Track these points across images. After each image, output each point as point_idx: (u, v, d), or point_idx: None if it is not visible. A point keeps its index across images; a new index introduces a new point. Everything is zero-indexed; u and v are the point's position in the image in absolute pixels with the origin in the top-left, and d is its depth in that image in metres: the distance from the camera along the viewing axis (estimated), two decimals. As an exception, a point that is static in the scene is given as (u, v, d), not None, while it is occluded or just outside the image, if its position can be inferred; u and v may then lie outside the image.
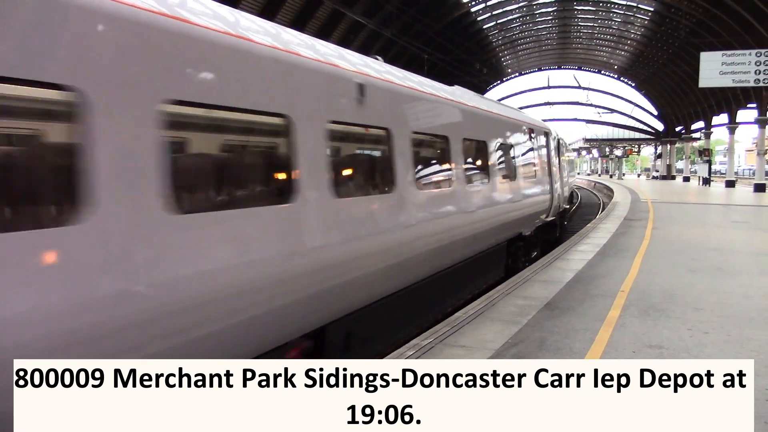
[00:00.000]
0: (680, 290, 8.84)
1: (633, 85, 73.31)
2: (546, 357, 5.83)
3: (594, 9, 55.21)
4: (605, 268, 10.73)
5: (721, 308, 7.78)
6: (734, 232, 16.58)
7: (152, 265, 3.61)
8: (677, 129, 67.12)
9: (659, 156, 75.39)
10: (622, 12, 52.73)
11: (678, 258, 11.73)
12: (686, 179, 61.47)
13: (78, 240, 3.17)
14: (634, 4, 49.26)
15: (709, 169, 52.05)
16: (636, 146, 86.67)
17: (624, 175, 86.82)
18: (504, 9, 53.64)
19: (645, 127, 75.16)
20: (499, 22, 56.78)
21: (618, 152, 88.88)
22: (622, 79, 74.29)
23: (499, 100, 70.84)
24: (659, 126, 72.35)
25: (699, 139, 63.79)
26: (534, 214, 14.39)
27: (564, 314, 7.49)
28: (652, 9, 48.18)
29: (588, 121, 79.32)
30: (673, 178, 67.95)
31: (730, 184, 46.50)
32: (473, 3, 49.11)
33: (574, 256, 12.27)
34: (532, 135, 14.90)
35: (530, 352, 5.99)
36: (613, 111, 75.68)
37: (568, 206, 23.66)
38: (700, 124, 59.00)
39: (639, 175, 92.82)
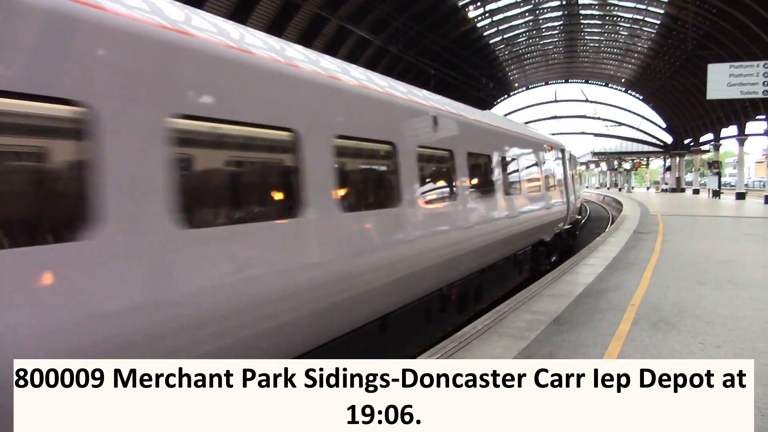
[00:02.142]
0: (691, 303, 8.77)
1: (641, 98, 73.21)
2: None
3: (600, 23, 55.38)
4: (615, 281, 10.66)
5: (732, 321, 7.71)
6: (745, 245, 16.43)
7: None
8: (686, 141, 66.92)
9: (668, 169, 75.09)
10: (629, 25, 52.83)
11: (688, 271, 11.65)
12: (696, 192, 61.17)
13: None
14: (641, 17, 49.36)
15: (719, 181, 51.73)
16: (645, 159, 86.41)
17: (633, 188, 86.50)
18: (510, 24, 53.86)
19: (653, 140, 74.93)
20: (505, 37, 56.98)
21: (627, 165, 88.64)
22: (629, 92, 74.21)
23: (506, 114, 71.19)
24: (668, 139, 72.13)
25: (708, 151, 63.51)
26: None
27: (573, 329, 7.45)
28: (658, 22, 48.25)
29: (596, 135, 79.21)
30: (683, 190, 67.63)
31: (741, 196, 46.22)
32: (479, 18, 49.36)
33: (584, 269, 12.20)
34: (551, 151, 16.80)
35: (538, 367, 5.94)
36: (621, 124, 75.54)
37: (579, 217, 23.78)
38: (709, 136, 58.78)
39: (648, 188, 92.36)
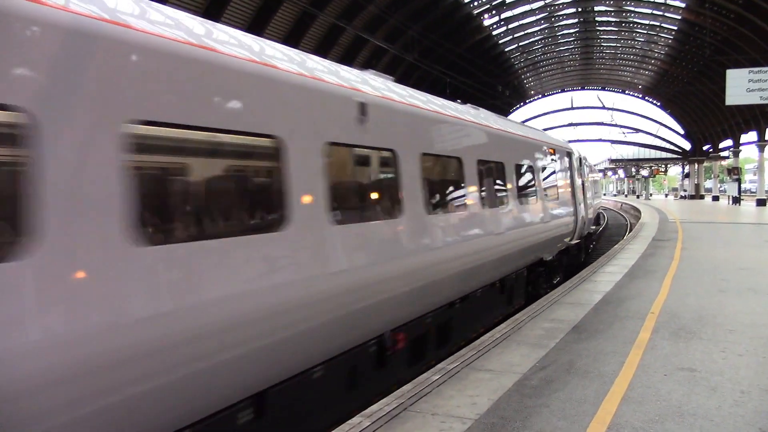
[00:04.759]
0: (711, 311, 8.69)
1: (658, 104, 72.71)
2: (574, 381, 5.76)
3: (616, 29, 55.11)
4: (634, 289, 10.60)
5: (753, 329, 7.63)
6: (766, 252, 16.23)
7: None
8: (705, 148, 66.28)
9: (687, 175, 74.40)
10: (645, 31, 52.53)
11: (708, 278, 11.54)
12: (715, 198, 60.56)
13: None
14: (657, 23, 49.06)
15: (739, 187, 51.22)
16: (663, 166, 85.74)
17: (651, 195, 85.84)
18: (526, 32, 53.78)
19: (671, 147, 74.33)
20: (521, 44, 56.90)
21: (644, 172, 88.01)
22: (646, 98, 73.73)
23: (523, 122, 70.71)
24: (686, 145, 71.51)
25: (727, 157, 62.85)
26: (557, 237, 13.98)
27: (593, 337, 7.40)
28: (675, 28, 47.93)
29: (613, 142, 78.77)
30: (702, 197, 66.97)
31: (761, 202, 45.73)
32: (494, 27, 49.32)
33: (602, 277, 12.14)
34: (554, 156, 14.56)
35: (558, 376, 5.92)
36: (638, 131, 75.00)
37: (594, 228, 22.30)
38: (728, 142, 58.23)
39: (666, 195, 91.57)
